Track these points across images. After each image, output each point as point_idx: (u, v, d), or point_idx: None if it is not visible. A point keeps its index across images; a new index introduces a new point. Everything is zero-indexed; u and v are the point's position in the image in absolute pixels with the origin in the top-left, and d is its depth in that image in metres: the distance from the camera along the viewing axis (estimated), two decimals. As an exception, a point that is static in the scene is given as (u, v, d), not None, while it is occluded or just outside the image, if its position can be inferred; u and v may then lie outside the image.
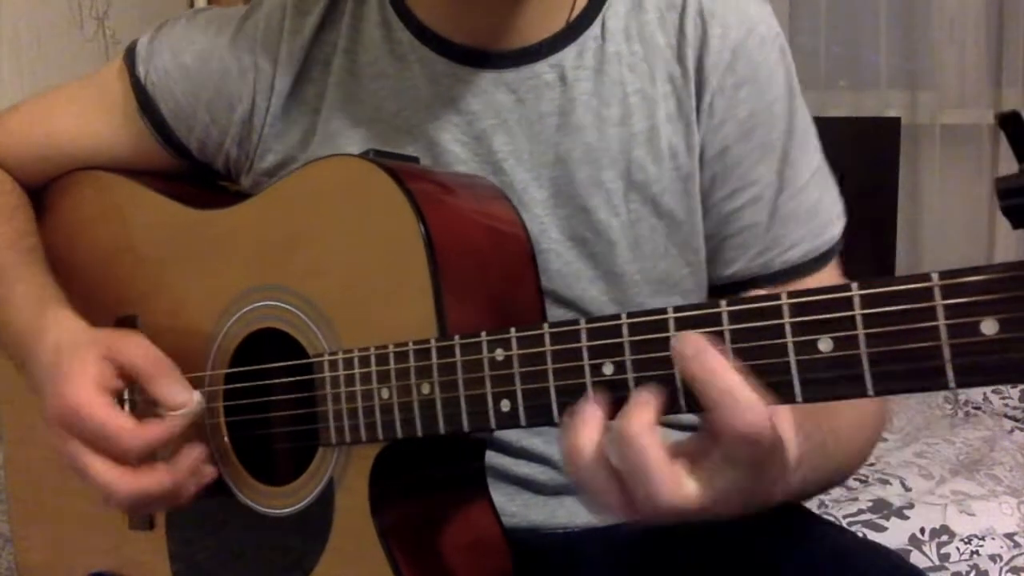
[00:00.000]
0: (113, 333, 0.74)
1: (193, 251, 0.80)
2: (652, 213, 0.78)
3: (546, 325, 0.57)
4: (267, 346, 0.74)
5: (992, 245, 2.60)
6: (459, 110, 0.79)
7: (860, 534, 1.24)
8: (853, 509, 1.35)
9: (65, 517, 0.88)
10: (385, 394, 0.64)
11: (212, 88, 0.84)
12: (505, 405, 0.58)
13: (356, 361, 0.66)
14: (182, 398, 0.69)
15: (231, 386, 0.76)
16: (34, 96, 0.96)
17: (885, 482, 1.43)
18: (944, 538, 1.27)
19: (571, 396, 0.55)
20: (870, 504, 1.36)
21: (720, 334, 0.50)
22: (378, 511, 0.67)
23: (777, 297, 0.48)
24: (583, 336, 0.55)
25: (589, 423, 0.53)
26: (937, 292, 0.44)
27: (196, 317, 0.78)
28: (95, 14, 1.60)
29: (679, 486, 0.50)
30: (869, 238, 2.44)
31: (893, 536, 1.31)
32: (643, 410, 0.51)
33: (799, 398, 0.48)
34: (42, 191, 0.92)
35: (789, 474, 0.53)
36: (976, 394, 1.80)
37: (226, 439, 0.76)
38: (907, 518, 1.34)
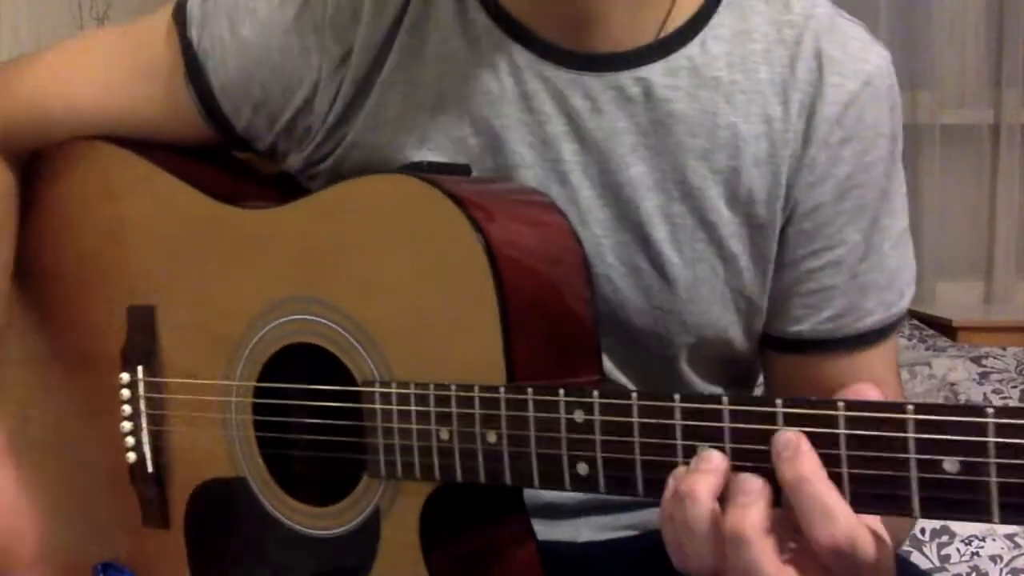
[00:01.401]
0: None
1: (222, 249, 0.76)
2: (716, 255, 0.73)
3: (634, 395, 0.54)
4: (301, 361, 0.71)
5: (992, 245, 2.62)
6: (531, 108, 0.73)
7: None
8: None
9: (74, 507, 0.85)
10: (444, 436, 0.62)
11: (269, 66, 0.76)
12: (583, 469, 0.56)
13: (412, 397, 0.63)
14: None
15: (263, 400, 0.73)
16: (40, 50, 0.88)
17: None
18: (944, 538, 1.27)
19: (659, 472, 0.52)
20: (870, 502, 1.37)
21: (835, 437, 0.48)
22: (428, 547, 0.65)
23: (902, 408, 0.46)
24: (676, 414, 0.52)
25: (713, 469, 0.50)
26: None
27: (223, 319, 0.74)
28: (95, 14, 1.56)
29: None
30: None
31: (894, 536, 1.32)
32: (758, 505, 0.49)
33: (917, 514, 0.46)
34: (42, 159, 0.84)
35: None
36: (976, 394, 1.82)
37: (259, 458, 0.73)
38: (907, 518, 1.35)
